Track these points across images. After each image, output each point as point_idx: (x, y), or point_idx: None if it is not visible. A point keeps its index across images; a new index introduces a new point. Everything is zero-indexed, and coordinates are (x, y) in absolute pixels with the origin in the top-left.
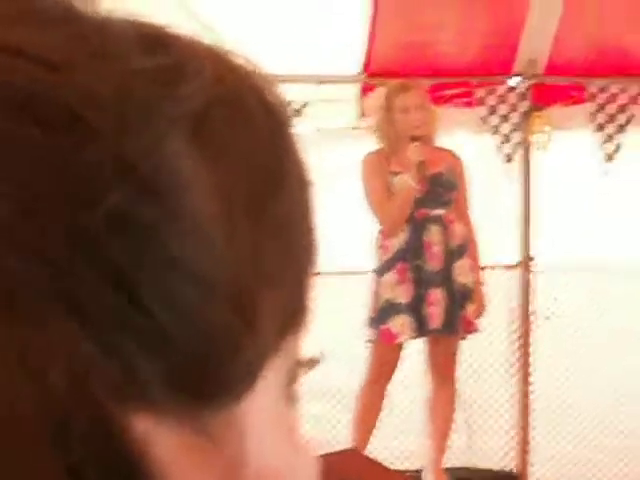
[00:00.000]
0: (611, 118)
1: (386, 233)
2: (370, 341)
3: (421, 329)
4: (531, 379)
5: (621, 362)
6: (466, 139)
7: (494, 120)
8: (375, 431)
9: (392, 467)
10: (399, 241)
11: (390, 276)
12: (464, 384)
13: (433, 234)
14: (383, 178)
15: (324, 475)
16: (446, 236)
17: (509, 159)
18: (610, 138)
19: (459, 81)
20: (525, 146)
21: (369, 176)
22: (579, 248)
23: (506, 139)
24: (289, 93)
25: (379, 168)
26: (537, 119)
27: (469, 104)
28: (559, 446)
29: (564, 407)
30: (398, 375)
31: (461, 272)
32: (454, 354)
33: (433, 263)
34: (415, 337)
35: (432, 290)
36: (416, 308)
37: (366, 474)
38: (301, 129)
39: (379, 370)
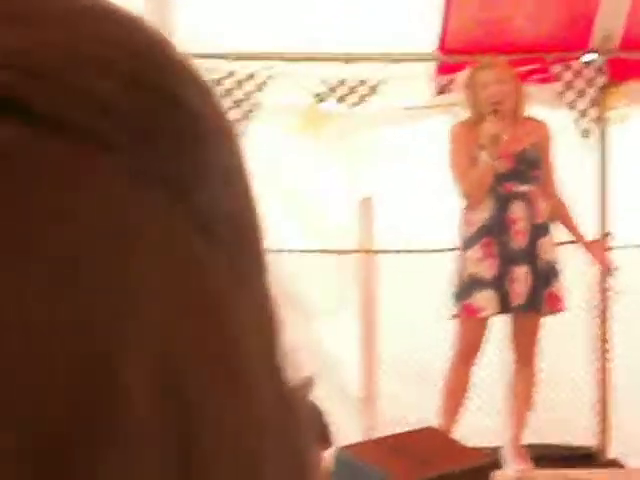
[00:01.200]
0: None
1: (468, 205)
2: (454, 316)
3: (504, 305)
4: (611, 355)
5: None
6: (543, 115)
7: (570, 96)
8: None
9: (470, 444)
10: (484, 216)
11: (475, 251)
12: (545, 361)
13: (518, 210)
14: (467, 148)
15: (403, 453)
16: (531, 213)
17: (586, 134)
18: None
19: (535, 57)
20: (602, 121)
21: (454, 146)
22: None
23: (583, 114)
24: (364, 71)
25: (464, 138)
26: (613, 94)
27: (545, 80)
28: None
29: None
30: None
31: (546, 249)
32: (537, 332)
33: (517, 240)
34: (498, 313)
35: (516, 267)
36: (500, 284)
37: (444, 451)
38: (376, 107)
39: (465, 346)
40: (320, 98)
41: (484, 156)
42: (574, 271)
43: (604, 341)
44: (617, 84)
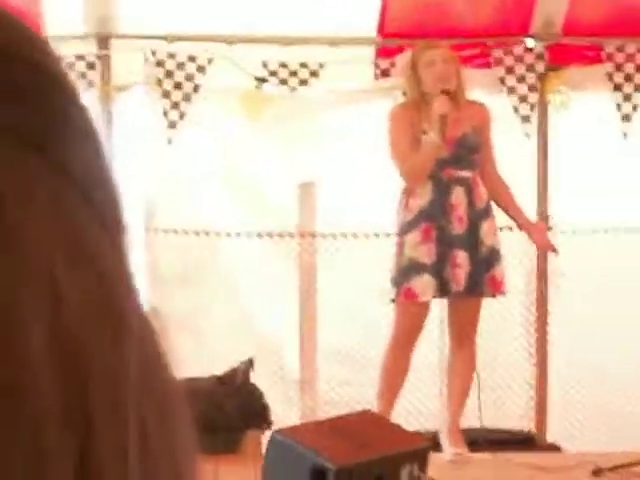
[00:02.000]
0: (629, 78)
1: (408, 188)
2: (393, 300)
3: (443, 290)
4: (549, 338)
5: (637, 321)
6: (483, 99)
7: (511, 80)
8: None
9: (408, 427)
10: (423, 201)
11: (414, 235)
12: (483, 344)
13: (458, 196)
14: (409, 131)
15: (340, 436)
16: (471, 198)
17: (526, 119)
18: (628, 98)
19: (476, 42)
20: (542, 106)
21: (394, 127)
22: (596, 209)
23: (523, 99)
24: (305, 54)
25: (405, 120)
26: (554, 79)
27: (486, 65)
28: (576, 407)
29: (582, 367)
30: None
31: (487, 233)
32: (476, 315)
33: (458, 225)
34: (437, 297)
35: (456, 252)
36: (439, 269)
37: (381, 434)
38: (318, 90)
39: (404, 330)
40: (261, 81)
41: (431, 137)
42: (513, 255)
43: (542, 325)
44: (557, 69)
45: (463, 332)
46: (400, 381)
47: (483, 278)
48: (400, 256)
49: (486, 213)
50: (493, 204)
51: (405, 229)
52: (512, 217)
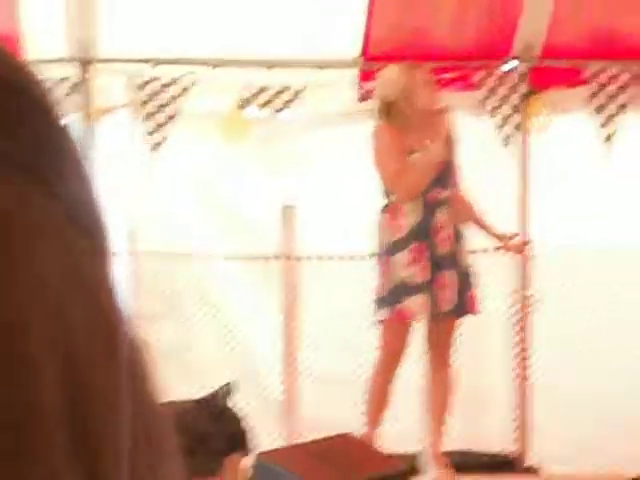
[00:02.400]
0: (610, 99)
1: (401, 201)
2: (382, 321)
3: (433, 310)
4: (530, 362)
5: (621, 345)
6: (464, 122)
7: (492, 103)
8: None
9: (390, 450)
10: (412, 221)
11: (404, 255)
12: (465, 367)
13: (442, 216)
14: (396, 147)
15: (323, 460)
16: (451, 218)
17: (507, 142)
18: (610, 119)
19: (457, 65)
20: (523, 129)
21: (381, 144)
22: (578, 231)
23: (504, 122)
24: (287, 77)
25: (392, 137)
26: (535, 102)
27: (467, 87)
28: (558, 428)
29: (563, 389)
30: None
31: (463, 253)
32: (453, 336)
33: (443, 245)
34: (428, 318)
35: (443, 272)
36: (429, 289)
37: (361, 458)
38: (300, 113)
39: (390, 353)
40: (243, 104)
41: (437, 149)
42: (494, 277)
43: (523, 348)
44: (539, 92)
45: (441, 353)
46: (386, 404)
47: (464, 298)
48: (388, 276)
49: (461, 232)
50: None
51: (394, 249)
52: (485, 230)
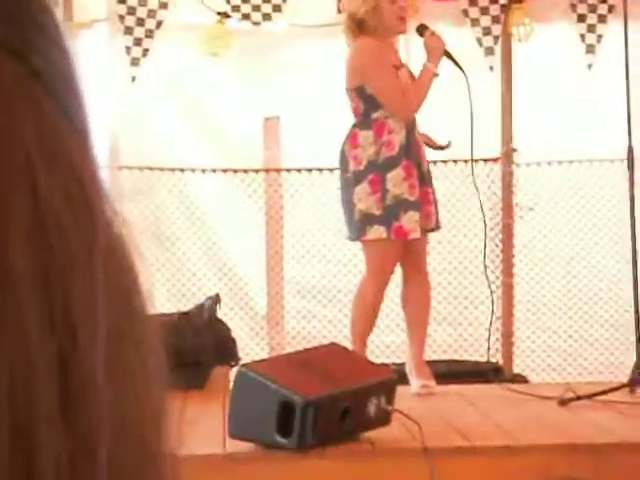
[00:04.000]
0: (592, 8)
1: (401, 120)
2: (371, 241)
3: (423, 227)
4: (514, 271)
5: (601, 252)
6: (447, 32)
7: (474, 13)
8: None
9: (377, 361)
10: (401, 137)
11: (397, 172)
12: (448, 277)
13: (417, 134)
14: (387, 63)
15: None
16: (423, 136)
17: (490, 52)
18: (592, 29)
19: None
20: (505, 38)
21: (376, 61)
22: (561, 141)
23: (486, 32)
24: None
25: (382, 55)
26: (517, 11)
27: None
28: (541, 338)
29: (545, 299)
30: None
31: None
32: (426, 248)
33: (424, 162)
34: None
35: (428, 188)
36: (420, 205)
37: (348, 367)
38: (280, 25)
39: (385, 269)
40: (224, 16)
41: (432, 67)
42: (478, 187)
43: (507, 257)
44: (520, 1)
45: (416, 265)
46: (375, 319)
47: (437, 213)
48: (380, 194)
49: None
50: None
51: (388, 166)
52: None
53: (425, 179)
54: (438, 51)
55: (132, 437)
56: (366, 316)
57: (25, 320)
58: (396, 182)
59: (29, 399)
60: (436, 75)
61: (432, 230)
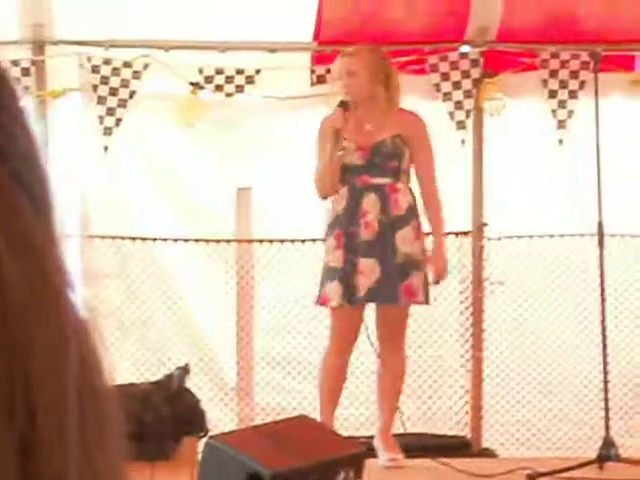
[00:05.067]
0: (563, 84)
1: (319, 195)
2: (316, 303)
3: (350, 297)
4: (484, 345)
5: (571, 327)
6: (419, 106)
7: (446, 87)
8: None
9: (345, 434)
10: (339, 207)
11: (330, 241)
12: (417, 351)
13: (369, 202)
14: (325, 141)
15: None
16: (385, 205)
17: (462, 126)
18: (563, 104)
19: (411, 48)
20: (477, 113)
21: (317, 139)
22: (531, 215)
23: (458, 106)
24: (241, 60)
25: (324, 131)
26: (489, 86)
27: (421, 71)
28: (510, 412)
29: (515, 373)
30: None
31: (404, 241)
32: (401, 323)
33: (365, 232)
34: (344, 304)
35: (362, 259)
36: (346, 275)
37: (317, 440)
38: (254, 97)
39: (337, 336)
40: (197, 87)
41: (326, 153)
42: (448, 261)
43: (477, 331)
44: (492, 75)
45: (389, 339)
46: (338, 387)
47: (396, 286)
48: (322, 261)
49: (404, 221)
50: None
51: (325, 234)
52: (433, 236)
53: (362, 249)
54: (332, 133)
55: None
56: (323, 384)
57: None
58: (328, 250)
59: None
60: (329, 160)
61: (387, 302)
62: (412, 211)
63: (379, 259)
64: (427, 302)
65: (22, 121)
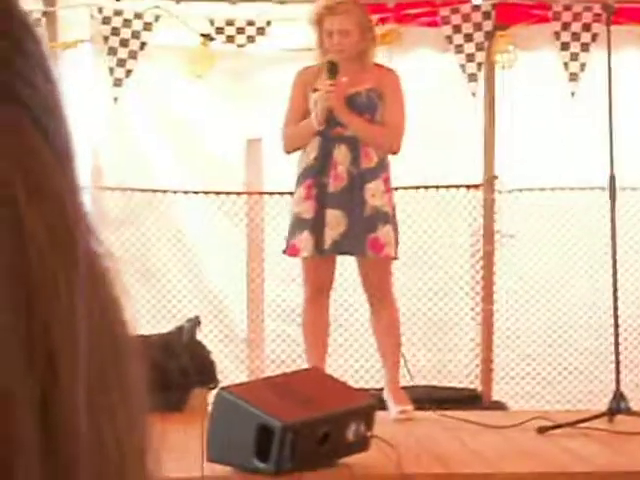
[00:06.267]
0: (575, 37)
1: (284, 149)
2: (284, 253)
3: (319, 248)
4: (494, 298)
5: (581, 281)
6: (430, 58)
7: (458, 39)
8: (341, 352)
9: (356, 385)
10: (310, 157)
11: (299, 191)
12: (428, 303)
13: (340, 153)
14: (299, 94)
15: (287, 394)
16: (356, 157)
17: (473, 79)
18: (575, 57)
19: (423, 0)
20: (489, 65)
21: (290, 91)
22: (543, 168)
23: (470, 58)
24: (251, 12)
25: (300, 85)
26: (501, 38)
27: (433, 23)
28: (520, 365)
29: (525, 326)
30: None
31: (374, 194)
32: (384, 276)
33: (334, 183)
34: (314, 255)
35: (329, 210)
36: (316, 226)
37: (328, 392)
38: (264, 48)
39: (311, 286)
40: (207, 38)
41: (313, 121)
42: (458, 214)
43: (488, 284)
44: (504, 28)
45: (375, 292)
46: (321, 335)
47: (363, 239)
48: (291, 211)
49: (374, 173)
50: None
51: (296, 184)
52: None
53: (330, 200)
54: (323, 110)
55: (113, 476)
56: (305, 334)
57: (6, 354)
58: (296, 200)
59: (9, 435)
60: (314, 128)
61: (355, 254)
62: (383, 164)
63: (346, 211)
64: (395, 256)
65: (46, 68)
